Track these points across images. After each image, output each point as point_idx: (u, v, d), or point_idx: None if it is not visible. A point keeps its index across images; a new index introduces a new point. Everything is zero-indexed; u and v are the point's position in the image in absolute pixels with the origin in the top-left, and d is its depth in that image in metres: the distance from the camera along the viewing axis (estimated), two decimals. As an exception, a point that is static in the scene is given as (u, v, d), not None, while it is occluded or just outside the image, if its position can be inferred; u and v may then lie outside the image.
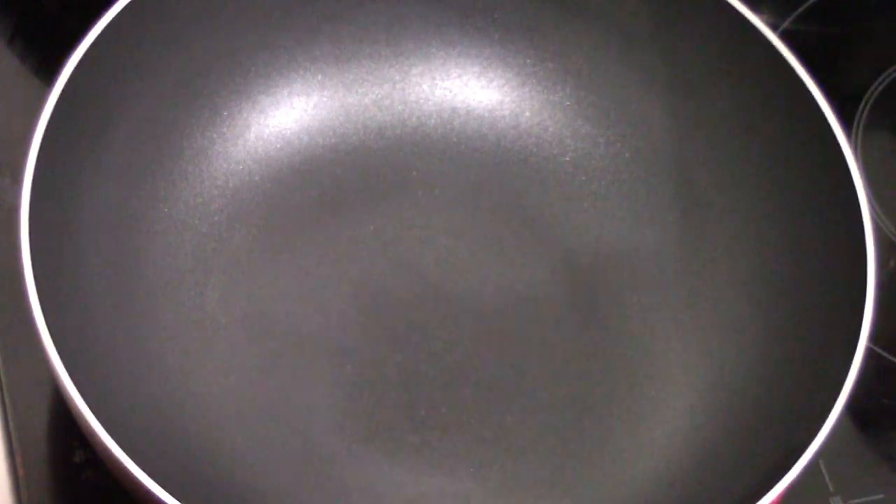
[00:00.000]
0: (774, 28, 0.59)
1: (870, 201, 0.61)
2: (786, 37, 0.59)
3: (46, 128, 0.53)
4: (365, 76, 0.66)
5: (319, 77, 0.65)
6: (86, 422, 0.48)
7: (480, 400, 0.60)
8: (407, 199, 0.65)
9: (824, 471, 0.60)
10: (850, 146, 0.57)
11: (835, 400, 0.51)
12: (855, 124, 0.70)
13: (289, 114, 0.65)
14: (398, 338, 0.61)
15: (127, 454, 0.48)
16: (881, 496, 0.60)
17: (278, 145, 0.64)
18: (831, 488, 0.60)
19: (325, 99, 0.65)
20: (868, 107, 0.71)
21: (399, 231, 0.64)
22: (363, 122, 0.66)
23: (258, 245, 0.62)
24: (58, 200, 0.54)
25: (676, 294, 0.62)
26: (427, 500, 0.57)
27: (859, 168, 0.56)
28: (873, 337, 0.53)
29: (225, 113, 0.63)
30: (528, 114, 0.66)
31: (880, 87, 0.72)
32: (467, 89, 0.67)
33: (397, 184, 0.65)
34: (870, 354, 0.53)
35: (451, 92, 0.67)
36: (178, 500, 0.47)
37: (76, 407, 0.48)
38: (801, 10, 0.73)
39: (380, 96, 0.66)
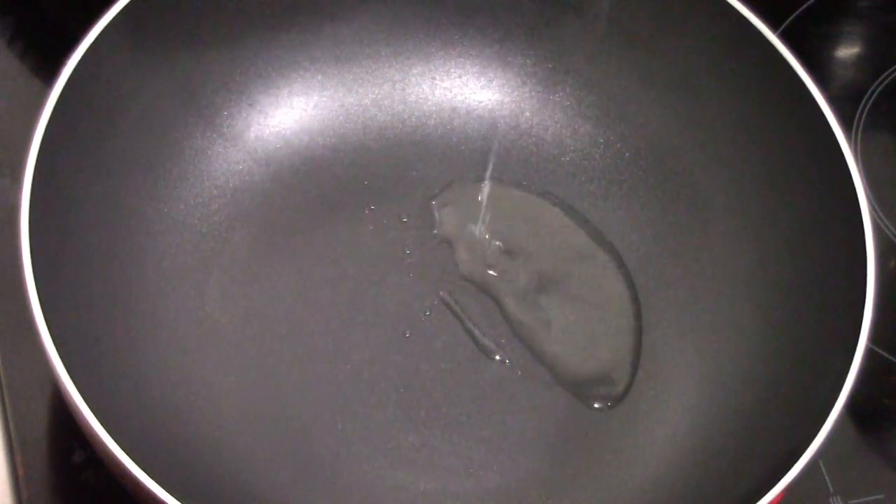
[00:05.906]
0: (774, 28, 0.59)
1: (870, 201, 0.61)
2: (786, 37, 0.59)
3: (46, 128, 0.53)
4: (365, 76, 0.66)
5: (319, 77, 0.65)
6: (86, 422, 0.48)
7: (480, 400, 0.60)
8: (407, 199, 0.65)
9: (824, 471, 0.60)
10: (850, 146, 0.57)
11: (835, 400, 0.51)
12: (855, 124, 0.70)
13: (289, 114, 0.65)
14: (398, 338, 0.61)
15: (127, 454, 0.48)
16: (881, 496, 0.60)
17: (278, 145, 0.64)
18: (831, 488, 0.60)
19: (325, 99, 0.65)
20: (868, 107, 0.71)
21: (399, 231, 0.64)
22: (363, 122, 0.66)
23: (258, 245, 0.62)
24: (58, 200, 0.54)
25: (676, 294, 0.62)
26: (427, 500, 0.57)
27: (859, 168, 0.56)
28: (873, 337, 0.53)
29: (225, 113, 0.63)
30: (527, 114, 0.66)
31: (880, 87, 0.72)
32: (467, 89, 0.67)
33: (397, 184, 0.65)
34: (870, 354, 0.53)
35: (451, 92, 0.67)
36: (178, 500, 0.47)
37: (76, 407, 0.48)
38: (801, 10, 0.73)
39: (380, 96, 0.66)
